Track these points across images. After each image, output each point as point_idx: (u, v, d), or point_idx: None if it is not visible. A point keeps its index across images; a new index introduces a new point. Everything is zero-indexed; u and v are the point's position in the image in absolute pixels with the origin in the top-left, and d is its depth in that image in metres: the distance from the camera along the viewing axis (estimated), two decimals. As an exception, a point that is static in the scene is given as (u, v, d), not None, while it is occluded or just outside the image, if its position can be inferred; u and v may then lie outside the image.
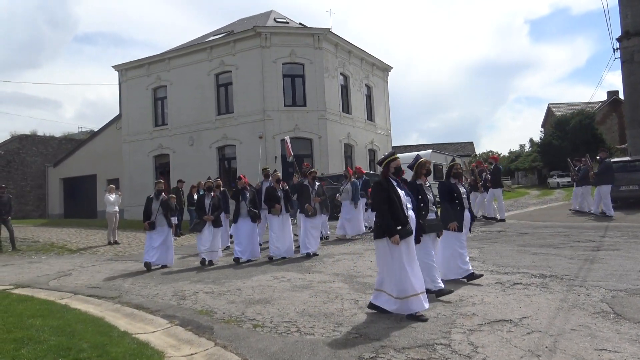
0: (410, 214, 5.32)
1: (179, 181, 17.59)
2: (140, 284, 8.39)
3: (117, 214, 15.66)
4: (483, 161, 19.87)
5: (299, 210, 11.04)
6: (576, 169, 16.23)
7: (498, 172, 15.55)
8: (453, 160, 7.21)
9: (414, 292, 5.10)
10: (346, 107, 25.82)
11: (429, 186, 6.23)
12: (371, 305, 5.49)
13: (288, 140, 16.18)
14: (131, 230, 18.44)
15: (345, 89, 25.96)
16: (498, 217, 14.98)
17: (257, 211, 10.63)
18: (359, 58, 27.39)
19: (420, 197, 5.93)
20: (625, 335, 4.28)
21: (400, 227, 5.12)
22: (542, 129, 59.56)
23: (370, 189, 14.94)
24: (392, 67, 31.14)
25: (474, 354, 4.06)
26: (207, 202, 10.36)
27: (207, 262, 10.05)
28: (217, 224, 10.44)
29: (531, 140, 62.58)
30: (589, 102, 47.58)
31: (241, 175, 11.27)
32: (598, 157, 15.13)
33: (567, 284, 6.24)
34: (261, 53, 23.08)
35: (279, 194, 10.55)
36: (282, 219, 10.50)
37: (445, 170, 24.50)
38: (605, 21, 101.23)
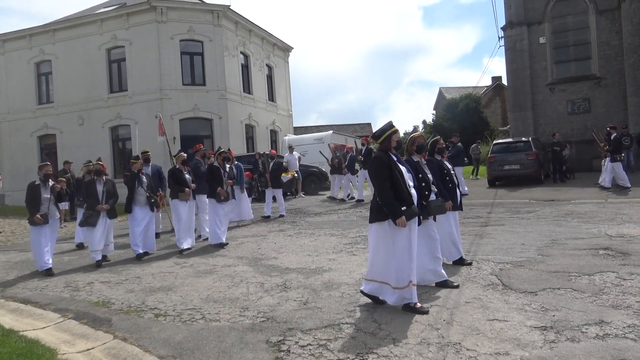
0: (413, 192, 4.80)
1: (66, 162, 16.38)
2: (26, 276, 7.75)
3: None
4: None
5: (206, 195, 9.81)
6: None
7: (370, 153, 15.32)
8: (435, 135, 6.66)
9: (412, 281, 4.67)
10: (247, 87, 25.41)
11: (426, 163, 5.75)
12: (365, 294, 4.98)
13: (160, 117, 14.77)
14: (14, 217, 16.97)
15: (246, 69, 25.51)
16: (356, 197, 15.47)
17: (156, 198, 9.36)
18: (259, 37, 26.99)
19: (420, 175, 5.34)
20: (512, 305, 4.64)
21: (405, 208, 4.59)
22: (434, 112, 62.71)
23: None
24: (292, 48, 31.06)
25: (378, 331, 4.21)
26: (100, 188, 8.47)
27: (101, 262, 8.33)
28: (112, 214, 8.63)
29: (424, 122, 65.69)
30: (475, 87, 50.79)
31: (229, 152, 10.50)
32: (450, 142, 16.17)
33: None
34: (157, 28, 21.94)
35: (187, 176, 9.46)
36: (190, 204, 9.48)
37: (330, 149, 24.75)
38: (492, 10, 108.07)
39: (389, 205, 4.59)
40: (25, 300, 6.15)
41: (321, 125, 59.13)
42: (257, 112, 25.89)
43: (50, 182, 8.19)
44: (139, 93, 22.05)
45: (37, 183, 8.04)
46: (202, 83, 22.65)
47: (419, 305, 4.65)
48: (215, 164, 9.65)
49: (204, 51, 22.66)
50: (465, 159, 19.40)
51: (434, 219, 5.55)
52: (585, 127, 22.77)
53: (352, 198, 15.84)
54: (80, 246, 10.43)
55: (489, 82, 55.80)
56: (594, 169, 21.30)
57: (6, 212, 17.88)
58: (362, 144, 15.98)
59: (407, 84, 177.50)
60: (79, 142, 22.69)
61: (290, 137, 25.57)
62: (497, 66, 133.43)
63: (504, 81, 41.60)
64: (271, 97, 28.35)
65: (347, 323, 4.45)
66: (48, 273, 7.68)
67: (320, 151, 19.18)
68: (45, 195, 7.97)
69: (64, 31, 23.77)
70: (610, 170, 14.50)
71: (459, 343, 3.83)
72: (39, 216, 7.77)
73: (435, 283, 5.46)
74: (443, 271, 5.49)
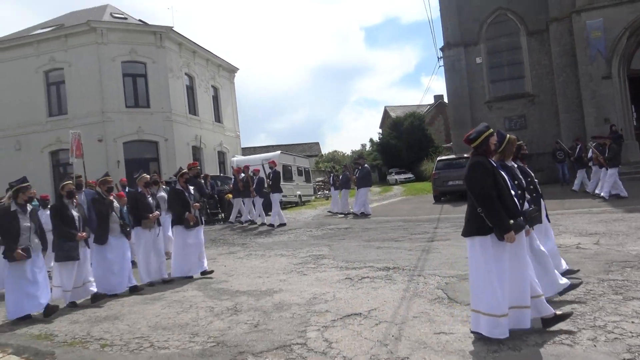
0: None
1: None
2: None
3: None
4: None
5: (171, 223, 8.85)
6: (337, 175, 18.14)
7: (277, 176, 15.52)
8: (518, 139, 5.76)
9: (525, 304, 4.10)
10: (193, 109, 25.21)
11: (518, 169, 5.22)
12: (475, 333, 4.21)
13: (78, 136, 13.46)
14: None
15: (191, 90, 25.35)
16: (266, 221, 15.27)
17: (130, 227, 7.86)
18: (204, 58, 26.90)
19: (516, 182, 4.71)
20: (458, 317, 4.80)
21: (512, 221, 4.03)
22: (381, 130, 64.02)
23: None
24: (238, 69, 31.16)
25: (329, 350, 4.25)
26: (75, 213, 6.99)
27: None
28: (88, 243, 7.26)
29: (371, 140, 66.89)
30: (419, 105, 52.33)
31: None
32: (357, 164, 17.00)
33: (407, 274, 6.81)
34: (97, 50, 21.53)
35: (150, 201, 8.27)
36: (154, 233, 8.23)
37: (295, 170, 25.02)
38: (430, 32, 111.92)
39: (495, 218, 4.01)
40: (-43, 338, 5.81)
41: (270, 145, 59.12)
42: (204, 134, 25.70)
43: (29, 207, 6.62)
44: (80, 116, 21.45)
45: (13, 209, 6.37)
46: (146, 105, 22.31)
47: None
48: (178, 186, 8.62)
49: (147, 73, 22.39)
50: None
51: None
52: (522, 142, 23.83)
53: (253, 222, 15.60)
54: None
55: (431, 101, 57.58)
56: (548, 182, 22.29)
57: None
58: (270, 167, 15.38)
59: (354, 102, 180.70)
60: (16, 168, 21.66)
61: (238, 158, 25.45)
62: (438, 85, 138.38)
63: (446, 99, 43.12)
64: (218, 118, 28.22)
65: (298, 344, 4.47)
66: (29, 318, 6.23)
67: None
68: (26, 223, 6.41)
69: (-2, 53, 22.89)
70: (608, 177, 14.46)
71: (407, 358, 3.93)
72: (19, 250, 6.23)
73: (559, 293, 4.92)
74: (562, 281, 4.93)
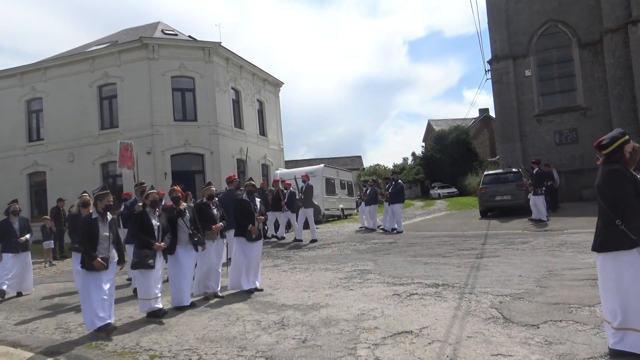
0: None
1: (60, 200, 16.29)
2: (15, 317, 7.54)
3: None
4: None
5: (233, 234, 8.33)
6: (366, 190, 17.53)
7: (310, 190, 15.35)
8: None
9: None
10: (238, 122, 25.56)
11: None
12: (615, 353, 3.95)
13: (130, 147, 13.12)
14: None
15: (237, 104, 25.71)
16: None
17: (200, 236, 7.54)
18: (250, 73, 27.31)
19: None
20: (515, 338, 4.58)
21: None
22: (424, 144, 63.32)
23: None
24: (283, 83, 31.44)
25: (381, 369, 4.11)
26: (155, 222, 6.93)
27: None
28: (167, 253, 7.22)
29: (413, 154, 66.20)
30: (464, 119, 51.49)
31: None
32: (388, 179, 16.92)
33: (458, 292, 6.59)
34: (148, 65, 22.15)
35: (214, 212, 8.07)
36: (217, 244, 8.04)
37: (337, 184, 25.00)
38: (479, 43, 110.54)
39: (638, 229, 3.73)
40: (14, 344, 5.96)
41: (311, 159, 59.40)
42: (248, 147, 26.00)
43: (109, 216, 6.44)
44: (130, 129, 22.06)
45: (94, 217, 6.26)
46: (194, 119, 22.75)
47: None
48: (245, 197, 8.33)
49: (195, 87, 22.85)
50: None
51: None
52: (573, 157, 23.08)
53: (283, 238, 15.43)
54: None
55: (476, 114, 56.63)
56: (583, 199, 21.48)
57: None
58: (303, 181, 15.20)
59: (395, 116, 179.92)
60: (69, 179, 22.52)
61: (282, 171, 25.60)
62: (484, 98, 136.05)
63: (492, 113, 42.27)
64: (262, 131, 28.52)
65: (348, 361, 4.36)
66: (106, 329, 5.90)
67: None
68: (105, 232, 6.26)
69: (55, 69, 23.91)
70: (532, 203, 15.13)
71: (464, 380, 3.76)
72: (99, 259, 6.03)
73: None
74: None
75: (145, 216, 6.88)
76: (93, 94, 23.07)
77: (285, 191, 14.72)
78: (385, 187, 16.74)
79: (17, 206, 9.96)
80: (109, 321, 6.01)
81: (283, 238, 15.43)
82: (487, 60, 25.84)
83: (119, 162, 12.97)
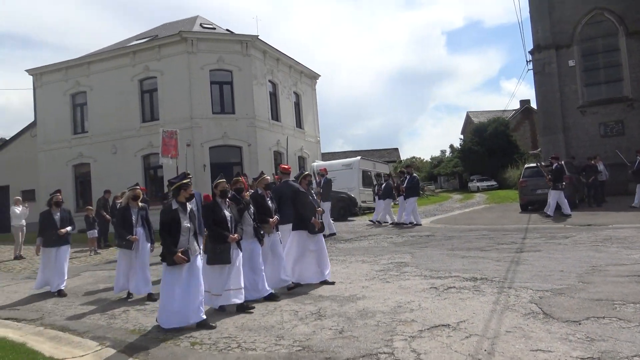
0: None
1: (107, 191, 16.87)
2: (64, 304, 7.85)
3: (24, 228, 14.71)
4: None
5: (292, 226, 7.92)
6: (381, 184, 17.62)
7: (329, 183, 15.52)
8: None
9: None
10: (275, 115, 25.73)
11: None
12: None
13: (175, 135, 12.98)
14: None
15: (274, 97, 25.88)
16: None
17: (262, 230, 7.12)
18: (287, 65, 27.42)
19: None
20: (556, 334, 4.49)
21: None
22: (462, 136, 62.30)
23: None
24: (319, 75, 31.46)
25: (418, 361, 4.11)
26: (227, 213, 6.44)
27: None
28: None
29: (452, 147, 65.33)
30: (504, 110, 50.39)
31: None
32: (403, 172, 16.89)
33: (497, 286, 6.50)
34: (188, 59, 22.53)
35: (270, 204, 7.50)
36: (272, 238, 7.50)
37: (374, 176, 25.09)
38: (520, 33, 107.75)
39: None
40: (63, 328, 6.22)
41: (348, 151, 59.29)
42: (285, 139, 26.16)
43: (189, 207, 6.02)
44: (170, 122, 22.48)
45: (174, 207, 5.85)
46: (232, 111, 23.03)
47: None
48: (301, 189, 7.89)
49: (233, 80, 23.11)
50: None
51: None
52: (619, 149, 22.27)
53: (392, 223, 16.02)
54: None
55: (517, 106, 55.33)
56: (629, 192, 20.73)
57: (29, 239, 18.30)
58: (321, 175, 15.09)
59: (433, 108, 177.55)
60: (112, 171, 23.19)
61: (318, 163, 25.68)
62: (522, 89, 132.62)
63: (533, 104, 41.23)
64: (299, 124, 28.64)
65: (384, 353, 4.37)
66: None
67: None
68: (186, 224, 5.85)
69: (98, 63, 24.58)
70: (552, 197, 14.91)
71: (503, 374, 3.72)
72: (180, 254, 5.65)
73: None
74: None
75: (217, 207, 6.42)
76: (134, 88, 23.64)
77: (318, 180, 14.77)
78: (400, 181, 16.66)
79: (60, 197, 9.40)
80: (201, 318, 5.69)
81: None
82: (529, 50, 25.17)
83: (162, 151, 13.00)
